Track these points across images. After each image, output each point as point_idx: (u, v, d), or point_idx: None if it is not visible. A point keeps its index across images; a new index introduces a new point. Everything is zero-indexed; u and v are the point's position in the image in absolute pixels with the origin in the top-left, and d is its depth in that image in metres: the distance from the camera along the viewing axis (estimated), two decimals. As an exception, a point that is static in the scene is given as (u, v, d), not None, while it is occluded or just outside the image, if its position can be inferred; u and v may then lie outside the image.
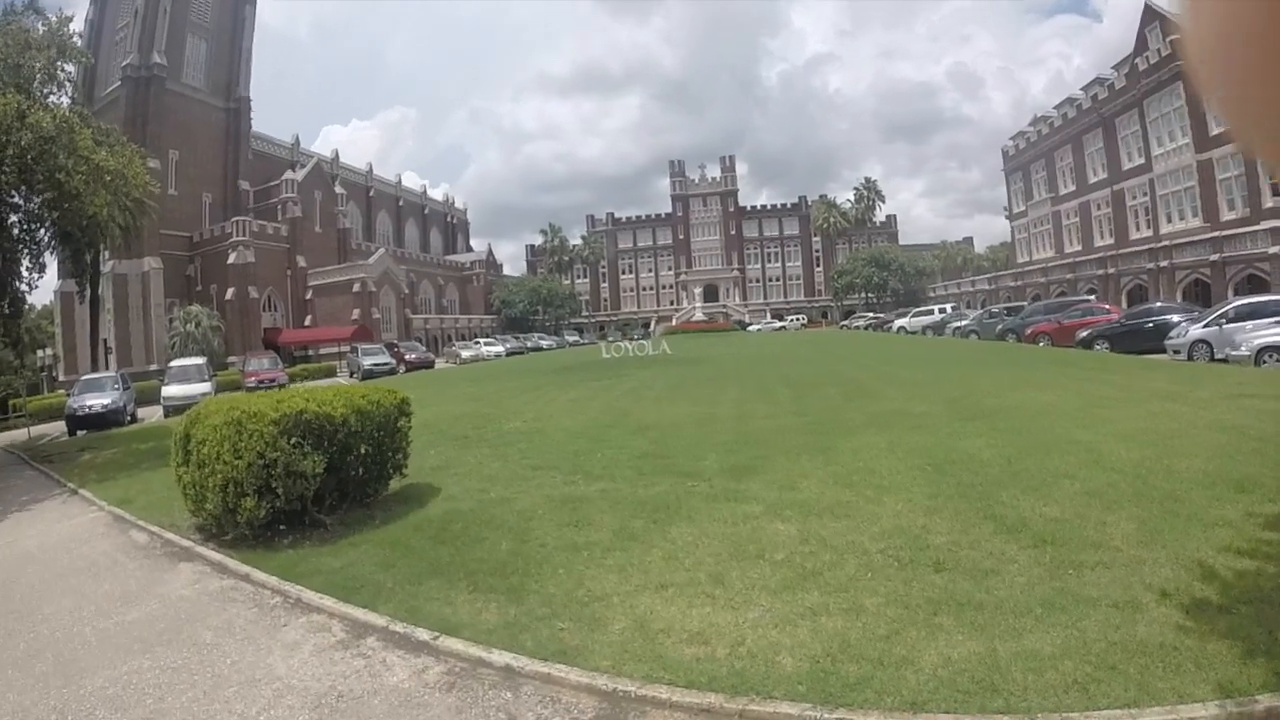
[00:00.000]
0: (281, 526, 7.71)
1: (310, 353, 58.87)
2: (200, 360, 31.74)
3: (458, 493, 8.86)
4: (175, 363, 31.96)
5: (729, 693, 4.03)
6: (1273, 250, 30.76)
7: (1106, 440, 9.17)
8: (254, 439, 7.17)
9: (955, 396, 14.20)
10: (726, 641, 4.62)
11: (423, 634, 5.21)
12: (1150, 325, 24.51)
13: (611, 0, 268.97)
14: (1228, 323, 20.08)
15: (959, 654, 4.11)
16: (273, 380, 32.26)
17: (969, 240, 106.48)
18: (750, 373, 23.02)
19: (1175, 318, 23.54)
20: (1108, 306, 33.40)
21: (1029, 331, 32.09)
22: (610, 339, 67.55)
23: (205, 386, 27.39)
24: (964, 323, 43.83)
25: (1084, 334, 26.96)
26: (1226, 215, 39.01)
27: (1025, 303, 44.66)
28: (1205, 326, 20.67)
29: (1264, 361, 17.28)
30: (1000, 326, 36.46)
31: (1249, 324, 19.32)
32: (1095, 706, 3.56)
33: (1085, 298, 37.12)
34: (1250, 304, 20.87)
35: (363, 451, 7.97)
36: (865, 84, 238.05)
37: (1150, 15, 45.39)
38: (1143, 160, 46.82)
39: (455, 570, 6.30)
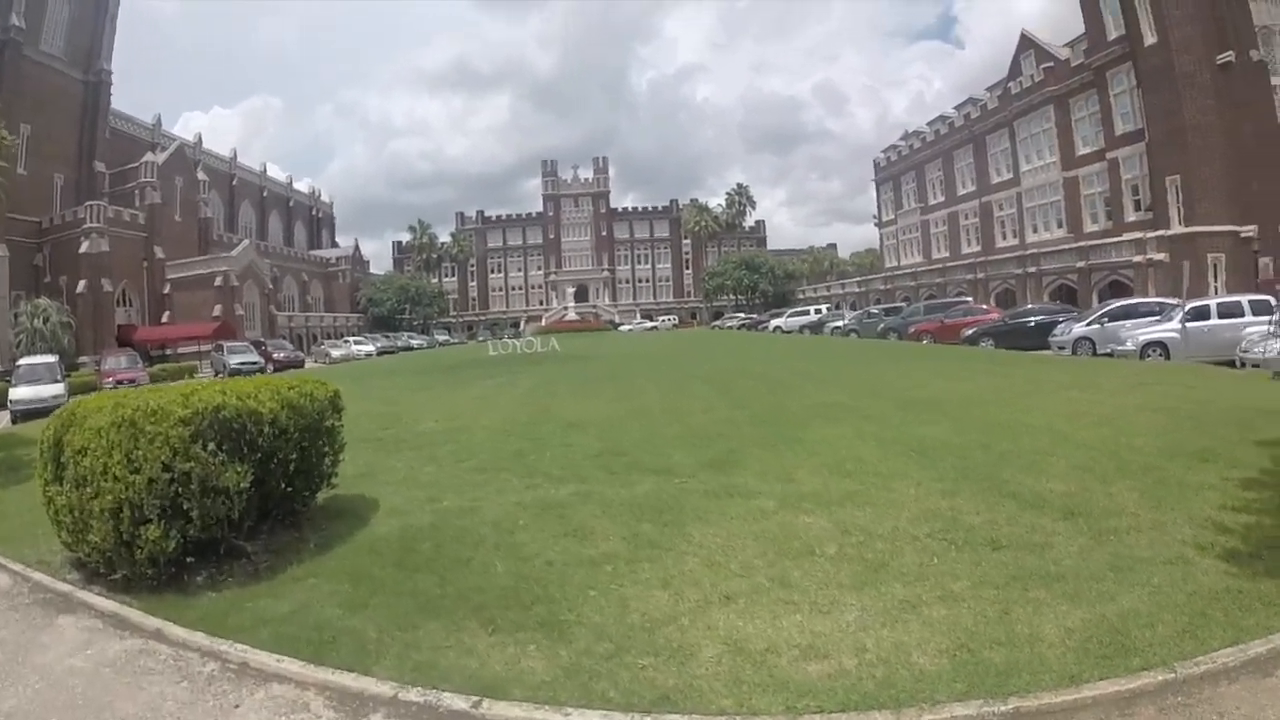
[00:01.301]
0: (189, 559, 5.77)
1: (169, 351, 53.15)
2: (52, 358, 28.07)
3: (402, 504, 7.40)
4: (24, 361, 28.11)
5: (892, 707, 3.48)
6: (1136, 259, 34.28)
7: (1058, 423, 9.49)
8: (156, 445, 5.37)
9: (876, 389, 14.25)
10: (846, 651, 3.97)
11: (456, 701, 3.84)
12: (1032, 324, 26.44)
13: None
14: (1109, 321, 21.84)
15: (1073, 623, 4.14)
16: (132, 380, 29.99)
17: (833, 246, 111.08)
18: (653, 369, 22.40)
19: (1058, 318, 25.54)
20: (986, 307, 35.61)
21: (912, 330, 33.61)
22: (496, 337, 65.66)
23: (58, 388, 24.65)
24: (842, 323, 45.30)
25: (969, 332, 28.42)
26: (1089, 227, 43.22)
27: (902, 303, 46.81)
28: (1088, 325, 22.37)
29: (1148, 355, 18.74)
30: (881, 325, 37.96)
31: (1127, 323, 21.08)
32: (1211, 648, 3.83)
33: (964, 299, 39.38)
34: (1124, 305, 23.28)
35: (291, 457, 6.36)
36: (734, 95, 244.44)
37: (1025, 44, 49.44)
38: (1011, 175, 51.28)
39: (453, 605, 4.97)
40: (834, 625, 4.24)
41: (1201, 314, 18.95)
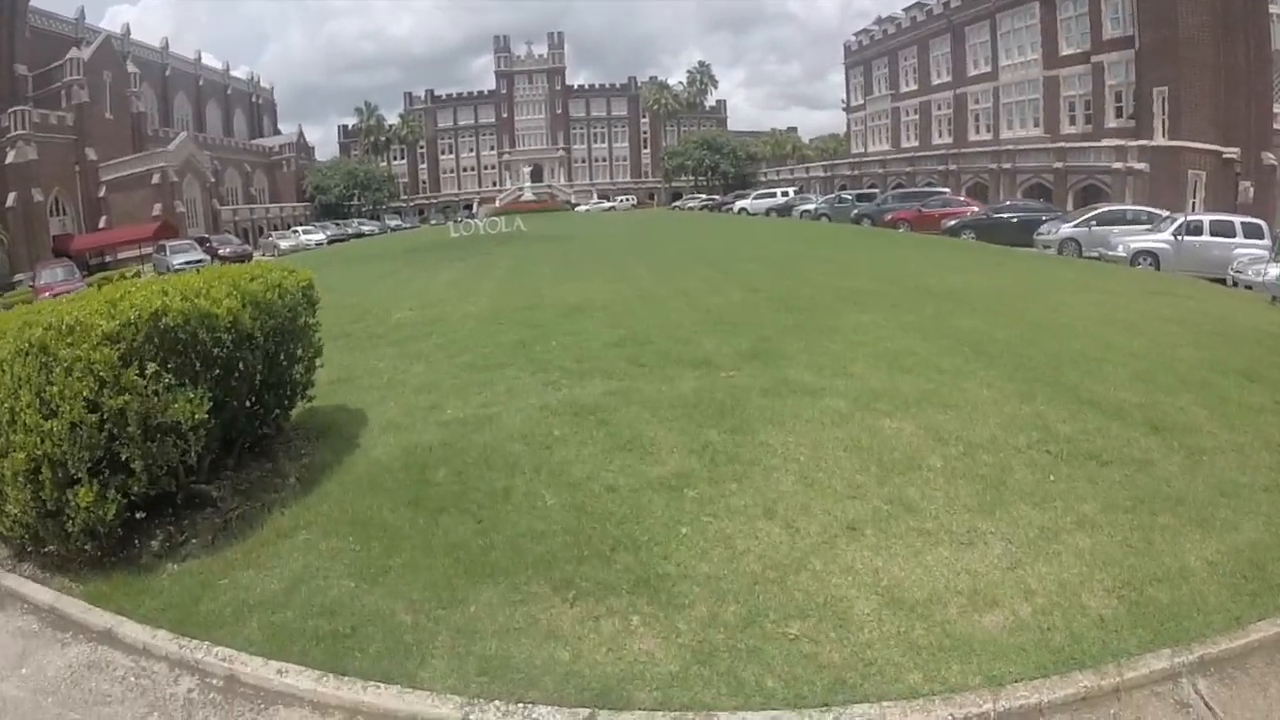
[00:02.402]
0: (138, 514, 4.24)
1: (109, 259, 49.75)
2: None
3: (398, 416, 6.10)
4: None
5: (1091, 664, 3.00)
6: (1116, 166, 33.62)
7: (1092, 327, 8.90)
8: (76, 375, 3.85)
9: (890, 276, 13.54)
10: (1014, 596, 3.41)
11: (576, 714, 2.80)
12: (1015, 220, 26.09)
13: None
14: (1096, 225, 21.48)
15: (1211, 554, 3.78)
16: (71, 293, 27.48)
17: (793, 130, 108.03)
18: (638, 249, 21.08)
19: (1041, 216, 25.27)
20: (964, 199, 34.99)
21: (889, 217, 32.92)
22: (451, 219, 63.17)
23: None
24: (812, 206, 44.27)
25: (951, 223, 27.93)
26: (1067, 129, 42.19)
27: (874, 189, 45.98)
28: (1075, 226, 22.01)
29: (1138, 263, 18.39)
30: (855, 211, 37.17)
31: (1115, 228, 20.95)
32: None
33: (941, 189, 38.65)
34: (1113, 210, 23.04)
35: (257, 368, 4.96)
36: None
37: None
38: (989, 69, 49.44)
39: (507, 562, 3.80)
40: (985, 562, 3.65)
41: (1195, 229, 18.60)
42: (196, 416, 4.10)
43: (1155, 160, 32.71)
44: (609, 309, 10.28)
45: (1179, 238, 18.34)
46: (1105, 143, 35.64)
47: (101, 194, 53.65)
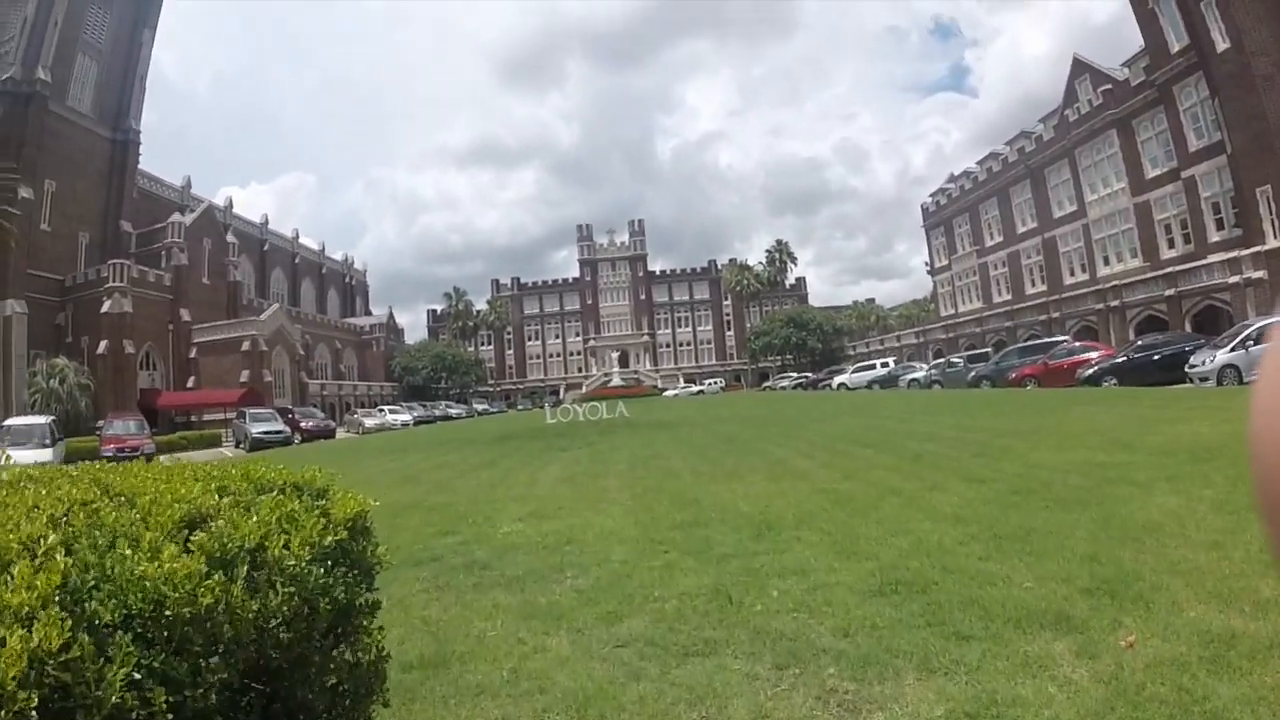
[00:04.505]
0: None
1: (193, 418, 50.80)
2: (44, 419, 25.42)
3: None
4: (11, 421, 25.76)
5: None
6: (1232, 280, 31.61)
7: None
8: None
9: (1124, 441, 10.34)
10: None
11: None
12: (1157, 358, 24.83)
13: (510, 78, 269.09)
14: (1253, 345, 19.76)
15: None
16: (136, 449, 27.52)
17: (872, 301, 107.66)
18: (768, 434, 18.30)
19: (1185, 347, 23.90)
20: (1088, 344, 32.76)
21: (1014, 375, 31.12)
22: (538, 405, 62.62)
23: (46, 454, 21.82)
24: (920, 375, 42.55)
25: (1090, 371, 26.46)
26: (1167, 253, 40.27)
27: (988, 350, 43.45)
28: (1231, 351, 20.47)
29: None
30: (973, 374, 35.12)
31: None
32: None
33: (1060, 338, 35.92)
34: (1260, 326, 21.01)
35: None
36: (754, 159, 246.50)
37: (1079, 68, 47.13)
38: (1075, 207, 48.44)
39: None
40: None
41: None
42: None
43: (1272, 265, 30.39)
44: (810, 522, 7.29)
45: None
46: (1213, 258, 33.54)
47: (192, 355, 55.78)
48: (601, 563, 6.52)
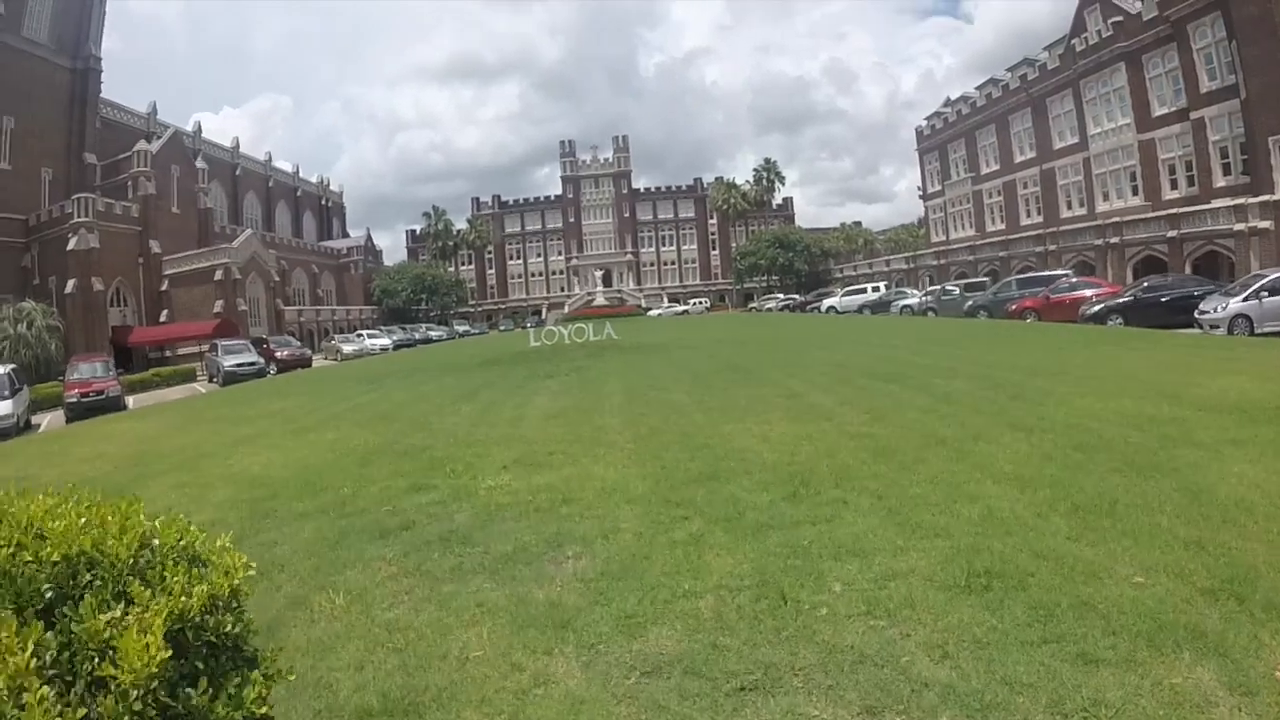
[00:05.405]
0: None
1: (168, 353, 49.04)
2: (3, 369, 23.68)
3: None
4: None
5: None
6: (1237, 227, 30.60)
7: None
8: None
9: (1156, 385, 9.74)
10: None
11: None
12: (1165, 299, 24.01)
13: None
14: (1268, 296, 19.17)
15: None
16: (101, 392, 25.87)
17: (859, 224, 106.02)
18: (769, 359, 17.41)
19: (1194, 292, 23.09)
20: (1093, 280, 31.82)
21: (1014, 307, 30.21)
22: (521, 325, 61.37)
23: (6, 405, 21.01)
24: (913, 301, 41.47)
25: (1094, 309, 25.46)
26: (1169, 194, 39.39)
27: (985, 279, 42.49)
28: (1244, 300, 19.56)
29: None
30: (970, 304, 34.33)
31: None
32: None
33: (1063, 272, 34.99)
34: (1277, 276, 20.02)
35: None
36: (742, 78, 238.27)
37: None
38: (1077, 139, 47.27)
39: None
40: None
41: None
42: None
43: (1280, 216, 29.15)
44: (850, 478, 6.38)
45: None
46: (1219, 203, 32.31)
47: (164, 288, 53.37)
48: (609, 534, 5.56)
